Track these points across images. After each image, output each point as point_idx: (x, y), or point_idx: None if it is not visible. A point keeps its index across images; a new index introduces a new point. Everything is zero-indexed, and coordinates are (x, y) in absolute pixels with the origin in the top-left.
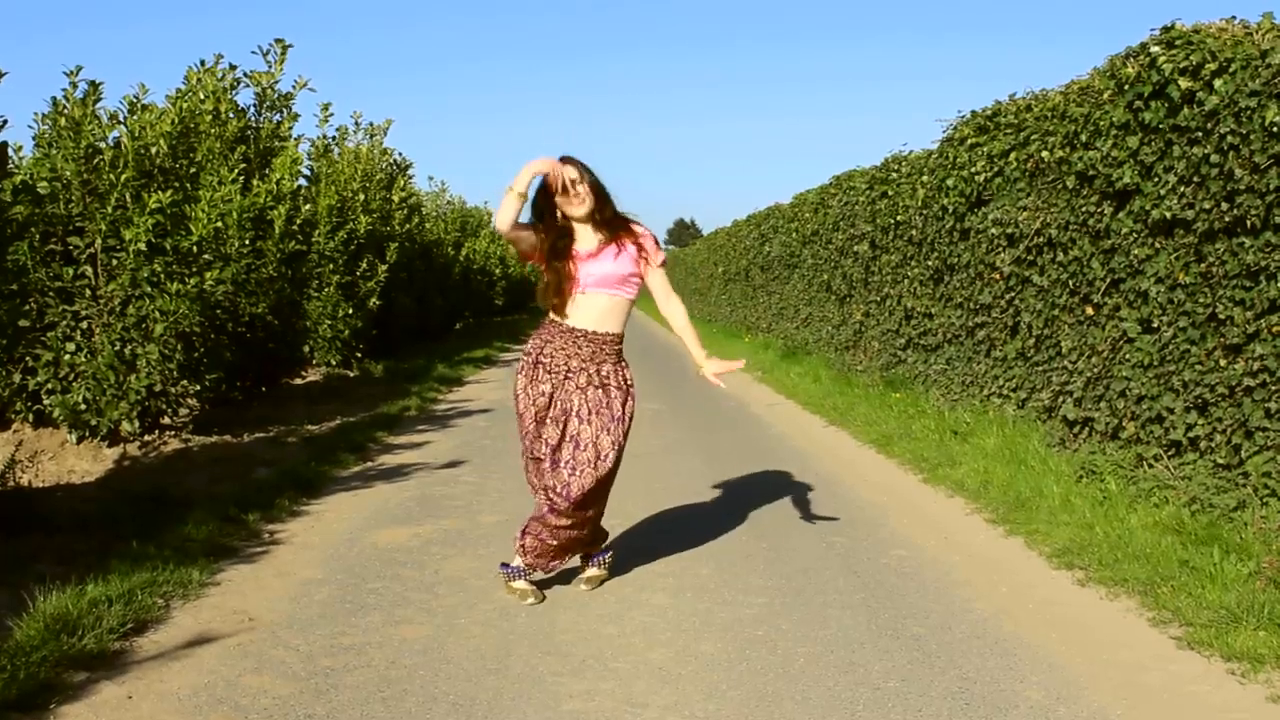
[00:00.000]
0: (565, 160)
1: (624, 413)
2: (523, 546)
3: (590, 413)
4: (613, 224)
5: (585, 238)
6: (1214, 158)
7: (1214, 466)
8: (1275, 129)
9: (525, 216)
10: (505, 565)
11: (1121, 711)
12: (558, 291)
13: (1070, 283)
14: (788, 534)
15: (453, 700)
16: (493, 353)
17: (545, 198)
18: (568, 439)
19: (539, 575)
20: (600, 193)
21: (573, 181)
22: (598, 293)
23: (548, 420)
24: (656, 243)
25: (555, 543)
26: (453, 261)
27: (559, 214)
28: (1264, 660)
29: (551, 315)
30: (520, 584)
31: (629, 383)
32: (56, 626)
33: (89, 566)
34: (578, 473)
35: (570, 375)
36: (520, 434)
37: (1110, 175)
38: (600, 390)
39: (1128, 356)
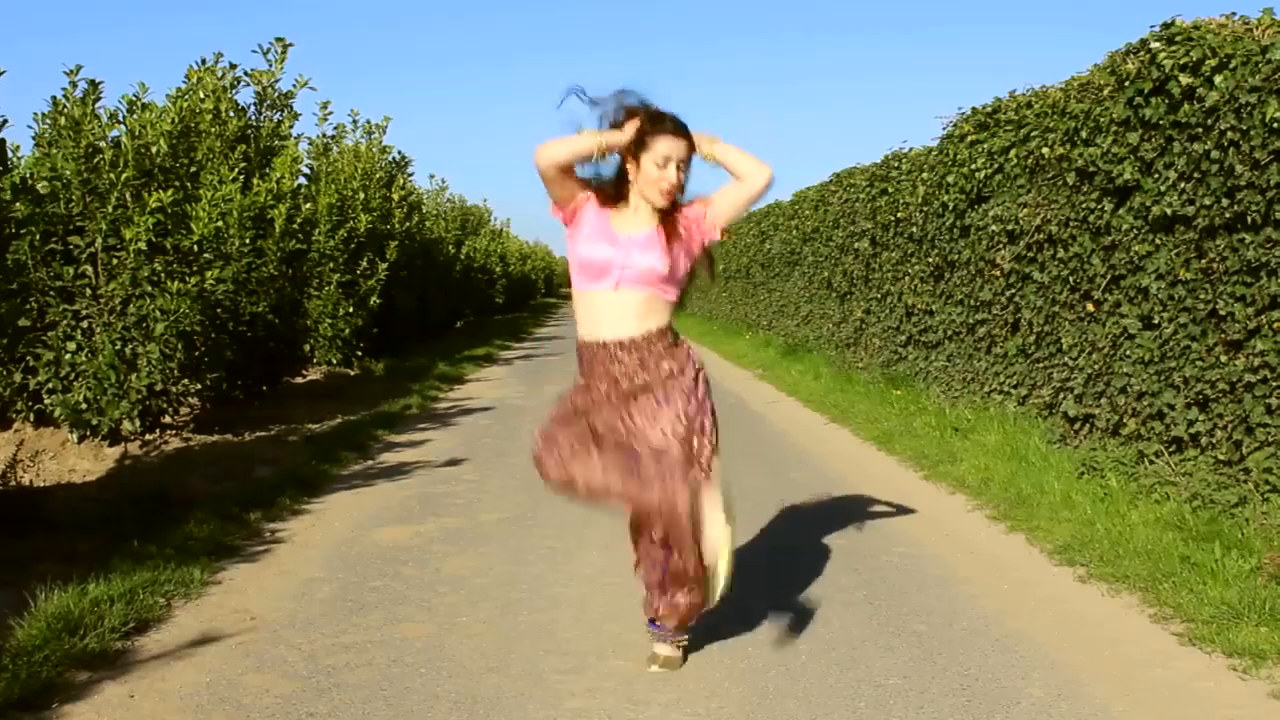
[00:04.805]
0: (671, 115)
1: (697, 392)
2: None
3: (645, 419)
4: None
5: (634, 217)
6: (1214, 154)
7: (1215, 463)
8: (1275, 125)
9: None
10: (652, 622)
11: (1123, 708)
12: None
13: (1071, 279)
14: (788, 531)
15: (454, 699)
16: (494, 351)
17: (634, 143)
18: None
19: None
20: (687, 176)
21: (677, 161)
22: (635, 290)
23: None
24: (704, 202)
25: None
26: (453, 260)
27: (628, 181)
28: (1265, 656)
29: (580, 334)
30: (663, 648)
31: (694, 362)
32: (59, 626)
33: (91, 566)
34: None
35: (620, 388)
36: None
37: (1110, 172)
38: (662, 387)
39: (1128, 353)
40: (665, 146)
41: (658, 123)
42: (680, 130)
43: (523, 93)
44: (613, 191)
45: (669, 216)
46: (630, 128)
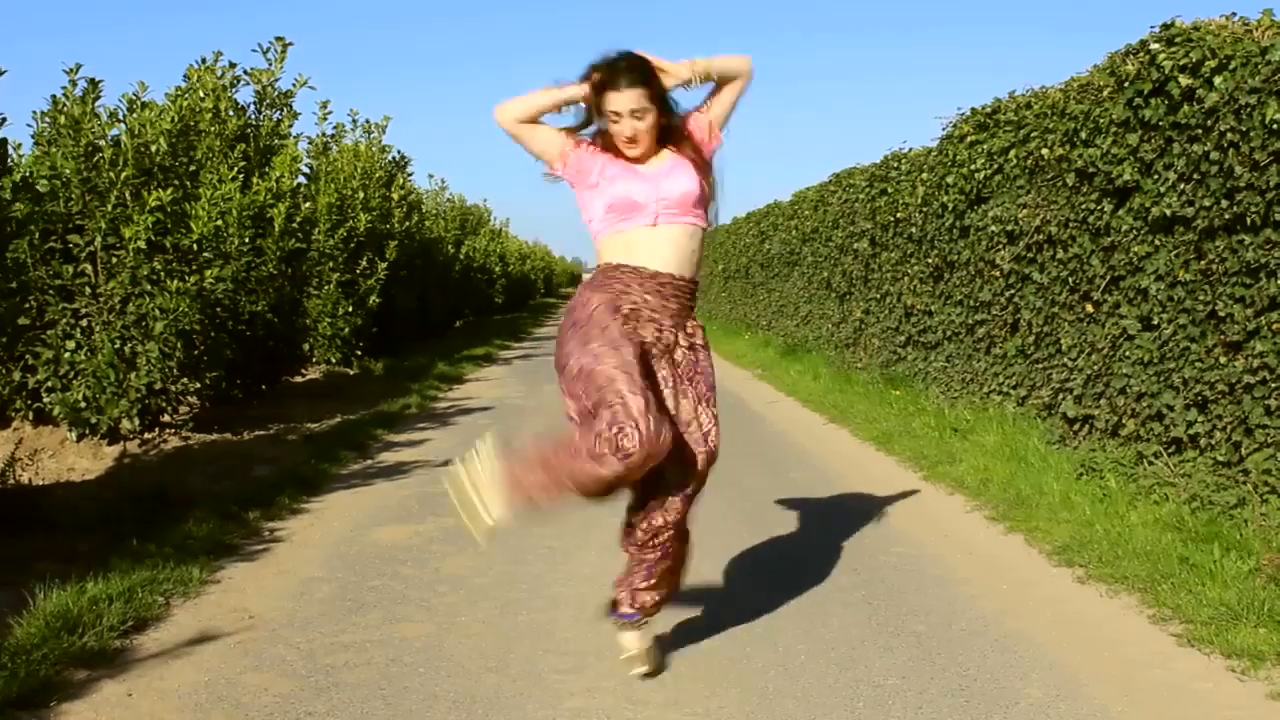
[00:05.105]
0: (620, 67)
1: (714, 379)
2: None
3: (686, 380)
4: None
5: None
6: (1214, 155)
7: (1214, 464)
8: (1275, 126)
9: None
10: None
11: (1121, 709)
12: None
13: (1070, 280)
14: (787, 531)
15: (453, 698)
16: (493, 350)
17: (594, 108)
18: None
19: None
20: (665, 110)
21: (629, 113)
22: (674, 223)
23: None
24: (697, 115)
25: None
26: (453, 259)
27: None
28: (1264, 657)
29: (615, 259)
30: (630, 636)
31: (707, 341)
32: (57, 624)
33: (89, 564)
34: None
35: (660, 336)
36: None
37: (1110, 172)
38: (691, 351)
39: (1128, 354)
40: (610, 102)
41: (606, 78)
42: (629, 81)
43: (522, 93)
44: (610, 141)
45: (677, 140)
46: (587, 85)
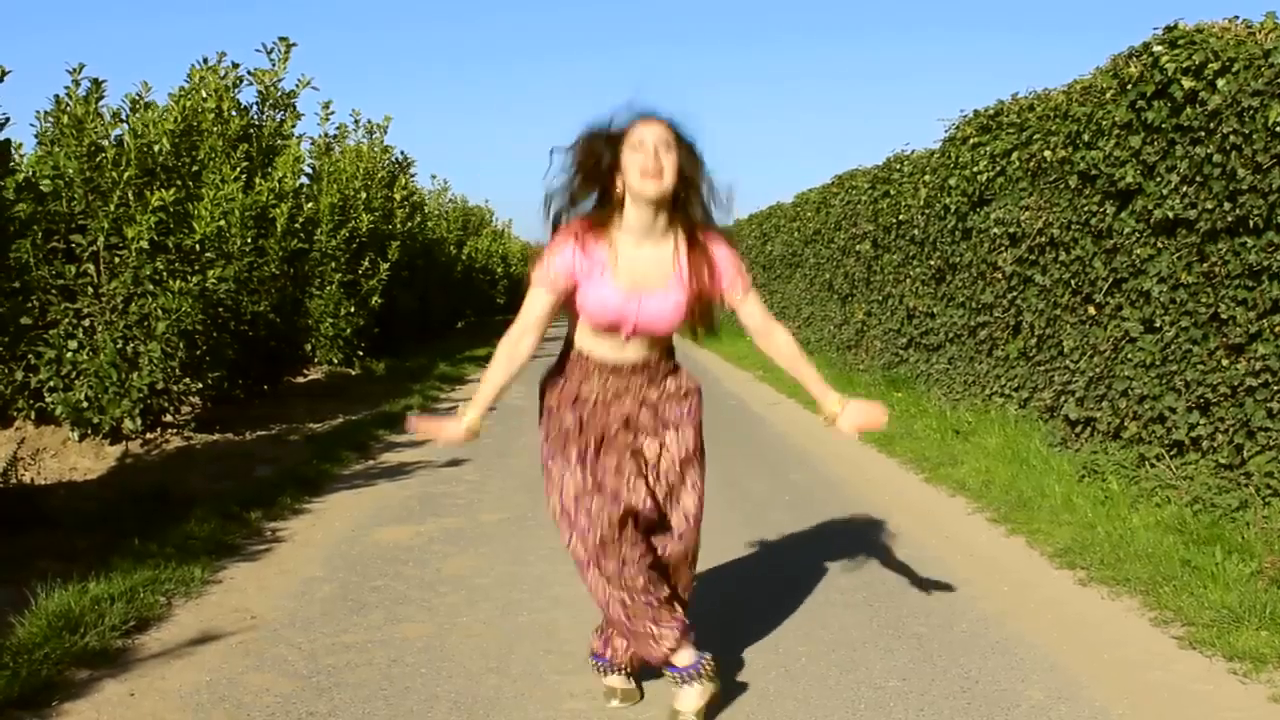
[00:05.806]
0: (646, 120)
1: (696, 440)
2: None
3: (659, 444)
4: (691, 228)
5: (651, 253)
6: (1216, 157)
7: (1216, 466)
8: (1277, 129)
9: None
10: (596, 656)
11: (1123, 711)
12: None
13: (1072, 282)
14: (788, 533)
15: (454, 698)
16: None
17: (610, 149)
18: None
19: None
20: (691, 172)
21: (654, 144)
22: (646, 336)
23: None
24: (739, 266)
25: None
26: (454, 260)
27: (619, 184)
28: (1266, 660)
29: (582, 344)
30: (615, 679)
31: (695, 386)
32: (59, 624)
33: (91, 564)
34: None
35: (623, 412)
36: (562, 503)
37: (1113, 175)
38: (667, 405)
39: (1130, 356)
40: (637, 132)
41: (635, 116)
42: (660, 117)
43: (525, 93)
44: (600, 215)
45: (692, 248)
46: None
